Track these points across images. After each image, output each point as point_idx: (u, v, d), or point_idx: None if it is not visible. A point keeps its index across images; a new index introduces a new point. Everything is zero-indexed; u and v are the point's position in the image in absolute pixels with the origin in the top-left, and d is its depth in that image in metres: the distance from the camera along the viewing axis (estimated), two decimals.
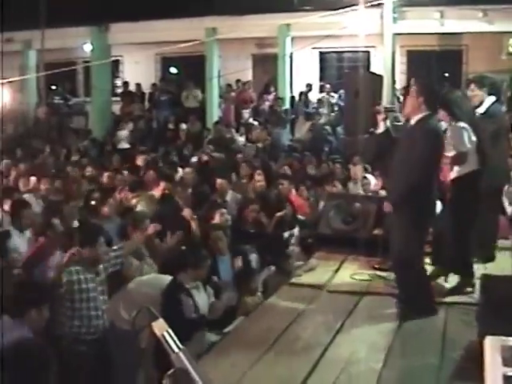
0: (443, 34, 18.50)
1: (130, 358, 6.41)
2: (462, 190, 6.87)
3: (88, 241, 6.56)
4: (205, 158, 15.10)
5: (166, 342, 2.31)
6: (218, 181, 10.90)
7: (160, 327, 2.32)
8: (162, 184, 10.50)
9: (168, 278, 6.64)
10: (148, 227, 7.60)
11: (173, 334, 2.31)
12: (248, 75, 21.82)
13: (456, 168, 6.91)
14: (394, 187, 6.64)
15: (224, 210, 8.93)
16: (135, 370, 6.48)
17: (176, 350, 2.30)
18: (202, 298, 6.63)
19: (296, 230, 9.31)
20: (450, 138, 6.89)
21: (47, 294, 5.83)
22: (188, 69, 22.50)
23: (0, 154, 13.96)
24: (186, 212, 8.92)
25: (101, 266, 6.64)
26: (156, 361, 5.07)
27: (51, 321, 6.38)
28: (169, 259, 7.42)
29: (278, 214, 9.22)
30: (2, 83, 16.41)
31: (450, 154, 6.83)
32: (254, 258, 8.15)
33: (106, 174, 12.01)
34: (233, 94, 20.85)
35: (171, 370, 2.29)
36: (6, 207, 9.17)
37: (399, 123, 7.54)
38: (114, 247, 7.02)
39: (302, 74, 20.99)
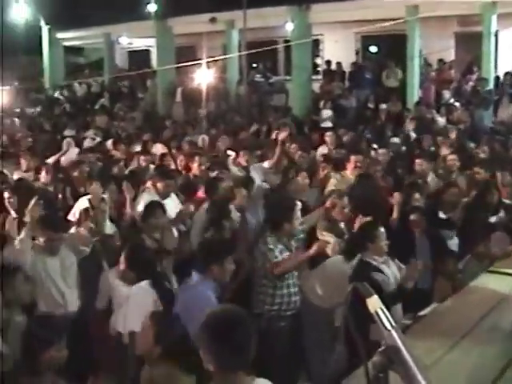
0: None
1: (325, 334, 6.51)
2: None
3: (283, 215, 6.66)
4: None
5: (380, 318, 2.31)
6: (418, 161, 10.56)
7: (374, 304, 2.32)
8: (353, 158, 10.38)
9: None
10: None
11: (386, 311, 2.31)
12: (450, 54, 21.22)
13: None
14: None
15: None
16: (328, 345, 6.56)
17: (389, 327, 2.29)
18: (393, 272, 6.54)
19: (501, 215, 8.95)
20: None
21: (229, 247, 5.92)
22: (388, 47, 22.31)
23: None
24: (396, 196, 8.64)
25: (292, 242, 6.73)
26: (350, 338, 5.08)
27: (251, 300, 6.60)
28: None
29: None
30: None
31: None
32: (454, 242, 8.00)
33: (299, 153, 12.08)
34: (433, 73, 20.37)
35: (382, 348, 2.29)
36: None
37: None
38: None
39: (508, 53, 20.07)
